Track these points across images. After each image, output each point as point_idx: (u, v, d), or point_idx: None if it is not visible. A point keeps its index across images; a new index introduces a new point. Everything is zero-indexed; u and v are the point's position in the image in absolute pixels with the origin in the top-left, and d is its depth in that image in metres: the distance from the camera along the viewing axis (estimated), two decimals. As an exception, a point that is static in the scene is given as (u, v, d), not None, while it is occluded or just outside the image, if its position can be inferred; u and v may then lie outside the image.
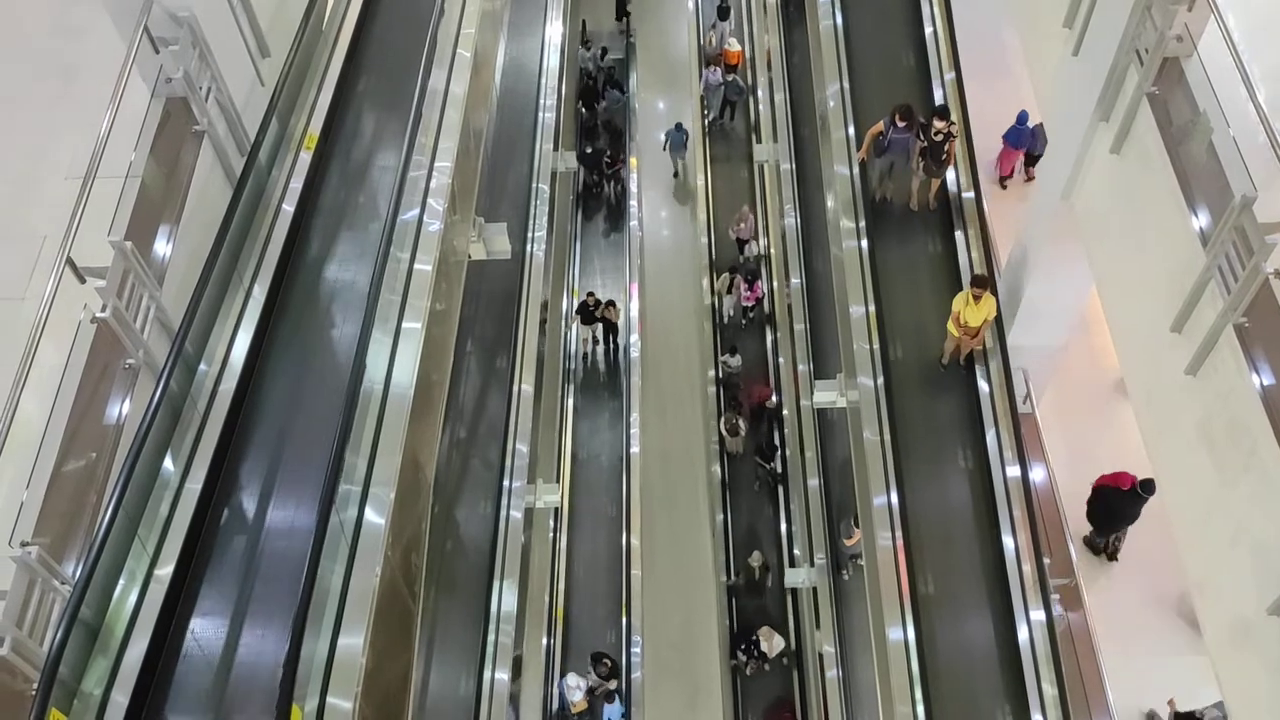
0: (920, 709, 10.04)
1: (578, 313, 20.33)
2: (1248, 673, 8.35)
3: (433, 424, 10.55)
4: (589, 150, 23.05)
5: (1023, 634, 10.46)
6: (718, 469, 19.12)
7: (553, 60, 21.18)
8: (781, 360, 19.39)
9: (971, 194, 12.51)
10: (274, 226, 9.86)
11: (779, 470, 18.55)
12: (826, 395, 13.01)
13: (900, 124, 11.86)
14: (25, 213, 10.09)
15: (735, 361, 19.27)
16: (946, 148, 11.90)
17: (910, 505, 11.08)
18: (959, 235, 12.36)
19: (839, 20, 14.50)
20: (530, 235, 18.08)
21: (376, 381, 9.12)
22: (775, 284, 20.34)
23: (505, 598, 14.59)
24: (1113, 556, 14.98)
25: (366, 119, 11.15)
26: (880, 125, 12.06)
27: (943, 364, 11.62)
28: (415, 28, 11.45)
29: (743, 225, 20.52)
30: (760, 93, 21.89)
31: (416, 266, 10.09)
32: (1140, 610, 14.46)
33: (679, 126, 22.37)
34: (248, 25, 10.37)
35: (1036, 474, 13.05)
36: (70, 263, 7.61)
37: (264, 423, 8.82)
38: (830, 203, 13.80)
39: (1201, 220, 8.70)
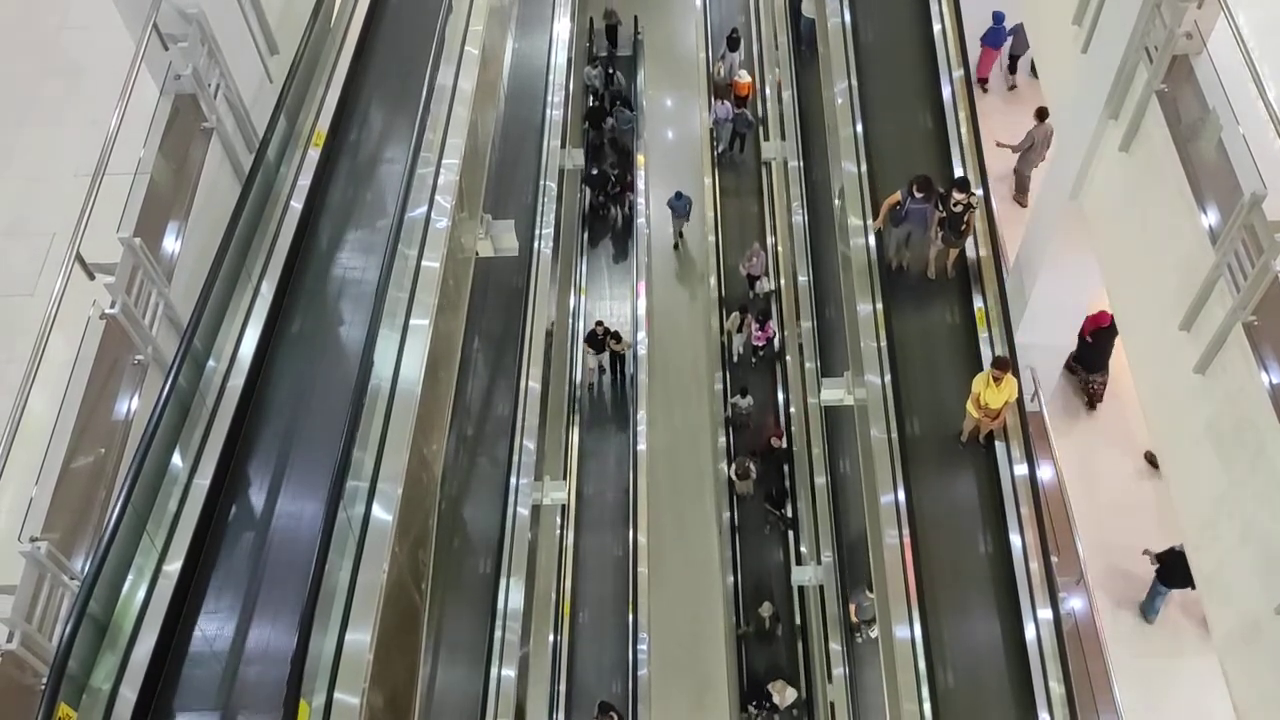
0: (927, 706, 10.06)
1: (586, 340, 20.08)
2: (1256, 671, 8.33)
3: (440, 420, 10.57)
4: (595, 172, 22.44)
5: (1029, 632, 10.47)
6: (724, 466, 19.09)
7: (560, 57, 21.16)
8: (789, 358, 19.34)
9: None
10: (282, 223, 9.88)
11: (789, 515, 18.25)
12: (834, 393, 13.03)
13: (918, 195, 11.60)
14: (35, 209, 10.11)
15: (746, 403, 19.00)
16: (966, 218, 11.65)
17: (917, 503, 11.10)
18: (977, 303, 12.14)
19: (847, 18, 14.49)
20: (538, 232, 18.09)
21: (384, 378, 9.14)
22: (785, 281, 20.28)
23: (512, 594, 14.64)
24: (1093, 405, 15.03)
25: (375, 116, 11.17)
26: (897, 195, 11.78)
27: (961, 441, 11.36)
28: (423, 25, 11.47)
29: (754, 261, 20.13)
30: (768, 90, 21.84)
31: (424, 263, 10.10)
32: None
33: (679, 195, 21.59)
34: (256, 22, 10.38)
35: (1044, 472, 13.03)
36: (79, 259, 7.62)
37: (272, 419, 8.84)
38: (837, 200, 13.81)
39: (1211, 218, 8.66)
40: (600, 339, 19.71)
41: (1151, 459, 14.53)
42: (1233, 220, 8.14)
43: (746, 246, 20.75)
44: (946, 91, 13.77)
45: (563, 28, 21.69)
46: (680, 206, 21.67)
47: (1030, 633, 10.46)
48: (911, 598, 10.59)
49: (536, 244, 17.97)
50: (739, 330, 19.64)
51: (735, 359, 20.10)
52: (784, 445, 18.69)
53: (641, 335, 20.28)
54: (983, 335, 11.97)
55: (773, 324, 19.59)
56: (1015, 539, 10.94)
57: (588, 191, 22.56)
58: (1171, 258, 9.28)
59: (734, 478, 18.21)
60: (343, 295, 9.76)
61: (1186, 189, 8.93)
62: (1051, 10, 12.01)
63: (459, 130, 11.24)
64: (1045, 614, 10.49)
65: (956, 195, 11.49)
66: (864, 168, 13.19)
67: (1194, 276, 8.71)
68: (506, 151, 18.42)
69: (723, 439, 19.43)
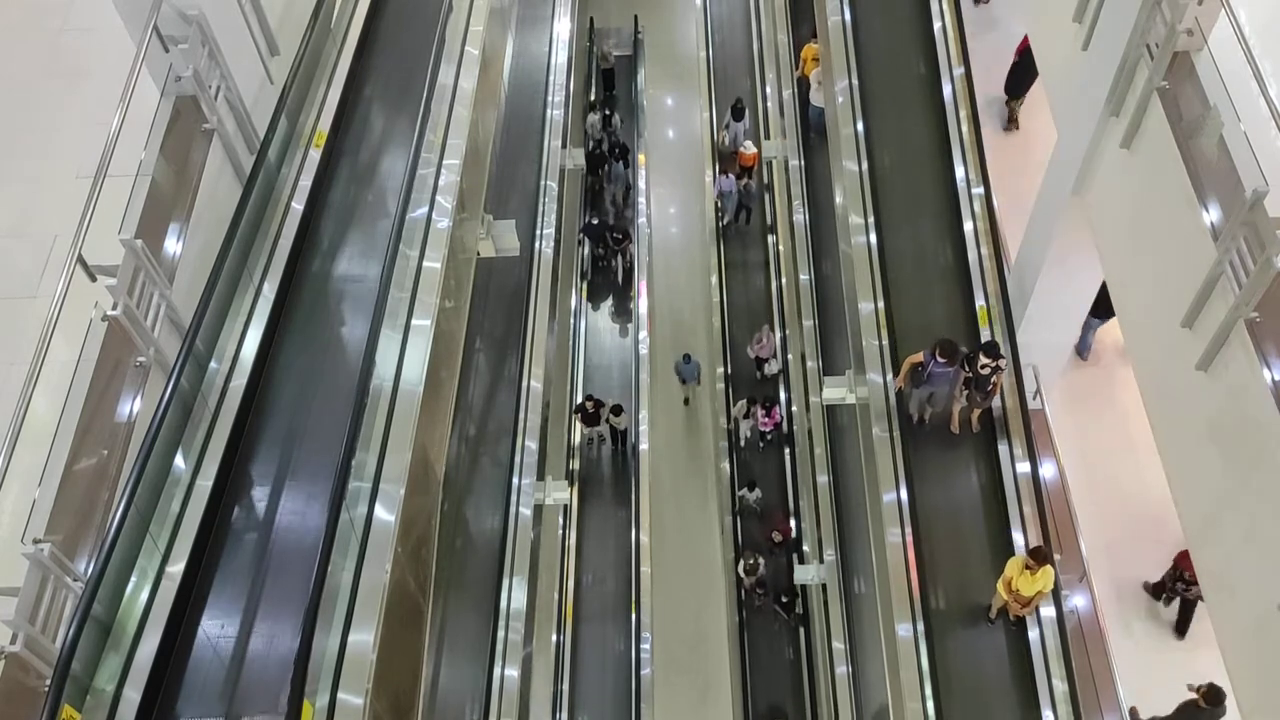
0: (930, 705, 10.05)
1: (577, 412, 19.04)
2: (1262, 669, 8.34)
3: (442, 421, 10.58)
4: (594, 222, 21.77)
5: (1033, 631, 10.47)
6: (726, 466, 19.05)
7: (560, 57, 21.13)
8: (792, 357, 19.30)
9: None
10: (284, 224, 9.89)
11: (800, 613, 17.64)
12: (836, 392, 13.02)
13: (941, 359, 10.87)
14: (36, 211, 10.13)
15: (754, 496, 18.52)
16: (993, 379, 11.03)
17: (920, 502, 11.10)
18: (1004, 456, 11.59)
19: (847, 16, 14.50)
20: (539, 231, 18.08)
21: (386, 378, 9.15)
22: (786, 281, 20.23)
23: (515, 594, 14.64)
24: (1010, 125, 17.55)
25: (375, 116, 11.17)
26: (919, 356, 11.06)
27: (990, 619, 10.76)
28: (424, 25, 11.48)
29: (762, 343, 19.39)
30: (769, 90, 21.74)
31: (425, 264, 10.12)
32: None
33: (687, 358, 20.28)
34: (257, 23, 10.37)
35: (1046, 470, 13.03)
36: (81, 261, 7.62)
37: (274, 420, 8.84)
38: (839, 199, 13.80)
39: (1213, 215, 8.66)
40: (593, 413, 18.65)
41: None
42: (1235, 217, 8.15)
43: (755, 327, 19.87)
44: (947, 90, 13.78)
45: (563, 27, 21.65)
46: (689, 371, 20.46)
47: (1034, 632, 10.46)
48: (914, 596, 10.60)
49: (538, 243, 17.95)
50: (746, 416, 19.02)
51: (742, 443, 19.41)
52: (792, 536, 18.11)
53: (643, 335, 20.21)
54: (1009, 490, 11.40)
55: (779, 409, 19.02)
56: (1018, 537, 10.94)
57: (587, 242, 21.78)
58: (1173, 255, 9.28)
59: (741, 575, 17.70)
60: (344, 296, 9.77)
61: (1188, 186, 8.93)
62: (1052, 7, 12.01)
63: (460, 130, 11.25)
64: (1049, 612, 10.49)
65: (984, 359, 10.88)
66: (864, 165, 13.20)
67: (1196, 273, 8.71)
68: (507, 152, 18.41)
69: (730, 523, 18.72)
